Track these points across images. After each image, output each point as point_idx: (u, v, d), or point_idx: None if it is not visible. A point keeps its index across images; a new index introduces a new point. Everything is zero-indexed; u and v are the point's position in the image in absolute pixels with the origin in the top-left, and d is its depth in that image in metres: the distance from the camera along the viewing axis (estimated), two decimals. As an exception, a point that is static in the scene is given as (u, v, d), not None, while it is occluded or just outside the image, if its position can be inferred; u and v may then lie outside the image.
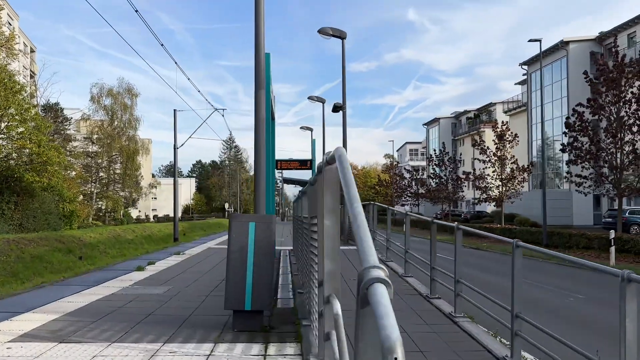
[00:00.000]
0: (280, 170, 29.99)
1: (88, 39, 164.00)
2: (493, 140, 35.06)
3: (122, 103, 53.68)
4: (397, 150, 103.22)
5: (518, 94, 60.44)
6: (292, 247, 12.46)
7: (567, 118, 23.68)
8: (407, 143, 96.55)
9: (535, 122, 48.46)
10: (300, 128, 29.87)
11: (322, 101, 22.27)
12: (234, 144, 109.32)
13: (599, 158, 21.36)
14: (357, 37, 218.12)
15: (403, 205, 63.53)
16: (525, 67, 50.39)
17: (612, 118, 21.07)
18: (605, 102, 21.25)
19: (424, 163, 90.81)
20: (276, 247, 10.51)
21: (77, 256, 22.19)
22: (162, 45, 17.98)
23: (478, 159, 35.40)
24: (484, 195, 34.43)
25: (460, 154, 67.23)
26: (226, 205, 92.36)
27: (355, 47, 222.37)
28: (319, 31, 14.09)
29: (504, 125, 35.41)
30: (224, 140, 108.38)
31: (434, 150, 56.38)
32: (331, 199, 2.60)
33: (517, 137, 36.01)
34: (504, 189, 33.68)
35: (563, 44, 43.40)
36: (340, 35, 13.91)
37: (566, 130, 22.29)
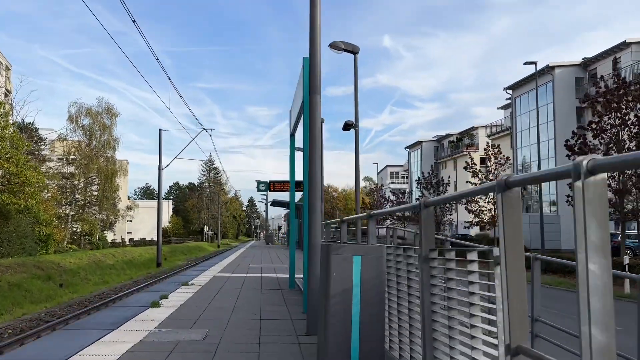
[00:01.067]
0: (266, 192, 29.02)
1: (62, 59, 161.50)
2: (480, 165, 34.79)
3: (101, 123, 52.06)
4: (378, 173, 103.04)
5: (501, 118, 60.84)
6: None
7: (567, 141, 23.35)
8: (387, 166, 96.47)
9: (520, 146, 48.59)
10: (297, 149, 29.05)
11: (322, 120, 21.57)
12: (214, 166, 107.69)
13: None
14: (333, 61, 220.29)
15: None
16: (510, 91, 50.75)
17: (615, 141, 20.73)
18: (608, 124, 20.94)
19: (405, 186, 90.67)
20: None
21: (58, 283, 20.66)
22: (157, 59, 17.06)
23: (470, 181, 34.95)
24: (477, 219, 33.88)
25: (442, 177, 67.14)
26: (205, 228, 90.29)
27: (332, 72, 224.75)
28: (331, 45, 13.31)
29: (496, 148, 35.13)
30: (203, 162, 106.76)
31: (422, 173, 56.05)
32: (598, 229, 1.70)
33: (509, 159, 35.76)
34: (495, 211, 33.18)
35: (549, 69, 43.78)
36: (353, 50, 13.16)
37: (569, 153, 21.87)
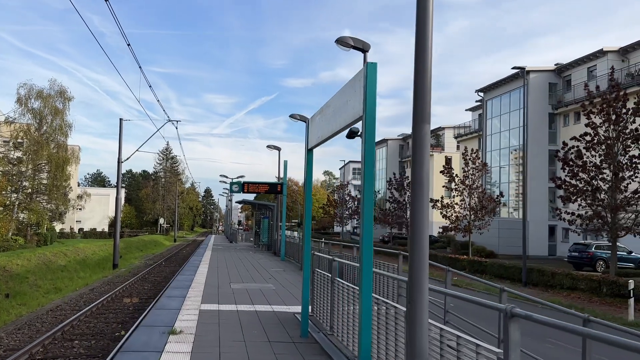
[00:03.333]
0: (239, 193, 27.03)
1: (11, 36, 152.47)
2: (447, 166, 33.84)
3: (53, 107, 48.26)
4: (340, 169, 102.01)
5: (469, 120, 60.65)
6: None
7: (558, 152, 22.51)
8: (350, 162, 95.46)
9: (490, 150, 48.24)
10: (268, 147, 27.17)
11: (304, 119, 19.70)
12: (171, 155, 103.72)
13: (596, 197, 20.17)
14: (293, 53, 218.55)
15: (356, 228, 61.80)
16: (481, 94, 50.34)
17: (614, 155, 19.95)
18: (604, 137, 20.15)
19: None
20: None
21: (3, 293, 18.19)
22: (128, 45, 14.89)
23: (446, 186, 34.04)
24: (452, 224, 33.00)
25: (407, 177, 66.57)
26: (161, 220, 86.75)
27: (291, 63, 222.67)
28: (337, 41, 11.59)
29: (474, 153, 34.32)
30: (160, 151, 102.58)
31: (394, 174, 55.13)
32: None
33: (486, 165, 35.04)
34: (472, 217, 32.41)
35: (523, 73, 43.34)
36: (363, 48, 11.49)
37: (565, 167, 21.00)
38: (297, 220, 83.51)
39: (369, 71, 4.78)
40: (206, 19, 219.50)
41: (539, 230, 43.49)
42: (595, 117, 20.90)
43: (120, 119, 30.13)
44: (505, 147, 46.91)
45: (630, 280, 15.43)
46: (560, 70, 43.07)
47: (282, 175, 25.86)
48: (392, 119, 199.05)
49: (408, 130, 71.14)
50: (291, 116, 19.37)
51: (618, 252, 31.71)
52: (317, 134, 7.24)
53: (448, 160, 68.45)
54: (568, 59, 41.77)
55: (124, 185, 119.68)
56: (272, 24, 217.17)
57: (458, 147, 62.35)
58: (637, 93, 21.96)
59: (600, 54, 37.97)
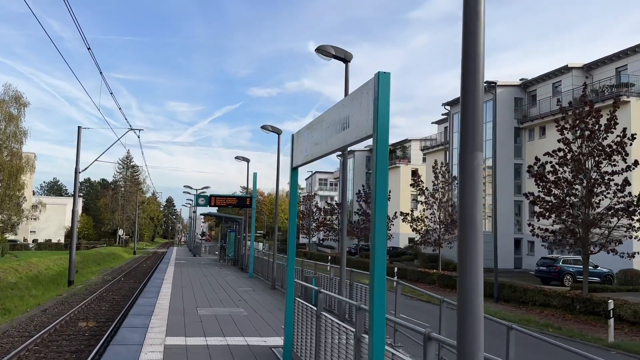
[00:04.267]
0: (206, 206, 25.83)
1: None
2: (415, 178, 33.61)
3: (7, 113, 45.94)
4: (306, 179, 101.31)
5: (435, 132, 60.98)
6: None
7: (530, 167, 22.33)
8: (316, 172, 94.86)
9: (456, 162, 48.29)
10: (236, 158, 26.11)
11: (278, 132, 18.87)
12: (132, 163, 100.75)
13: (570, 213, 20.01)
14: (259, 62, 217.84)
15: (323, 240, 61.05)
16: (448, 107, 50.58)
17: (586, 171, 19.85)
18: (579, 153, 20.04)
19: (334, 193, 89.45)
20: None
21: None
22: (89, 48, 13.77)
23: (417, 199, 33.70)
24: (422, 238, 32.62)
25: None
26: (120, 231, 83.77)
27: (256, 72, 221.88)
28: (318, 50, 10.87)
29: (443, 166, 34.13)
30: (120, 159, 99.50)
31: (362, 186, 54.74)
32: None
33: (456, 178, 34.90)
34: (442, 231, 32.12)
35: (490, 87, 43.71)
36: (345, 57, 10.79)
37: (539, 183, 20.78)
38: (262, 232, 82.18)
39: (381, 82, 4.03)
40: (170, 26, 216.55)
41: (505, 244, 43.68)
42: (567, 133, 20.80)
43: (79, 127, 28.55)
44: (472, 160, 47.19)
45: (610, 300, 15.16)
46: (526, 85, 43.66)
47: (251, 187, 24.86)
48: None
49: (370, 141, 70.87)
50: (263, 127, 18.54)
51: (582, 267, 32.10)
52: (304, 152, 6.43)
53: (415, 172, 68.90)
54: (528, 74, 42.36)
55: (81, 194, 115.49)
56: (238, 33, 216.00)
57: (424, 159, 62.58)
58: (602, 109, 22.04)
59: (565, 70, 38.60)
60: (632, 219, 19.08)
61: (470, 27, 2.76)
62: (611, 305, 15.00)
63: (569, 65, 38.21)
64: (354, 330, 5.61)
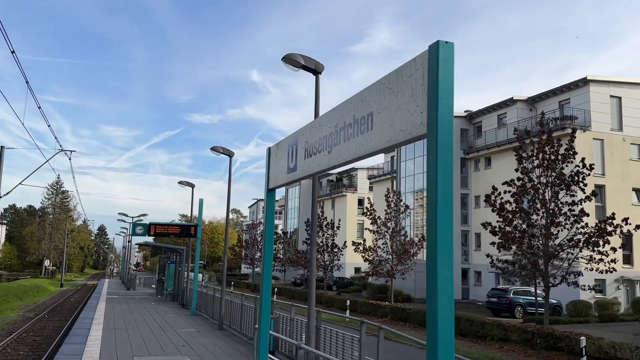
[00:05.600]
0: (144, 235, 23.47)
1: None
2: (359, 206, 32.70)
3: None
4: (250, 207, 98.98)
5: (381, 162, 60.93)
6: None
7: (488, 196, 21.74)
8: (260, 200, 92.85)
9: (405, 192, 48.08)
10: (179, 183, 24.03)
11: (230, 154, 17.21)
12: (62, 189, 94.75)
13: (531, 244, 19.45)
14: (200, 88, 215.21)
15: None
16: (395, 136, 50.62)
17: (546, 202, 19.42)
18: (537, 182, 19.62)
19: (277, 222, 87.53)
20: None
21: None
22: (13, 52, 11.82)
23: (369, 229, 32.67)
24: (374, 269, 31.45)
25: (326, 217, 65.27)
26: (46, 262, 77.78)
27: (198, 98, 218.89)
28: (284, 58, 9.56)
29: (396, 195, 33.40)
30: (49, 184, 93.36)
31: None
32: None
33: (408, 207, 34.27)
34: (395, 262, 31.10)
35: (438, 118, 44.06)
36: (316, 69, 9.54)
37: (501, 213, 20.15)
38: (202, 262, 78.76)
39: (443, 55, 2.71)
40: (109, 49, 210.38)
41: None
42: (525, 162, 20.40)
43: (2, 147, 25.62)
44: (420, 189, 47.07)
45: (582, 337, 14.39)
46: (471, 116, 44.26)
47: (196, 213, 22.83)
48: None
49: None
50: (212, 149, 16.85)
51: (532, 298, 31.93)
52: (287, 169, 4.99)
53: (361, 201, 68.38)
54: (472, 106, 42.98)
55: (5, 221, 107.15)
56: (180, 58, 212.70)
57: (371, 189, 62.24)
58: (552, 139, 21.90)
59: (510, 102, 39.35)
60: (594, 250, 18.70)
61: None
62: (583, 343, 14.23)
63: (514, 98, 38.98)
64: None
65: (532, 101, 38.57)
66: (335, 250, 40.22)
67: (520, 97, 39.06)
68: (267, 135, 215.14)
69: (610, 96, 34.69)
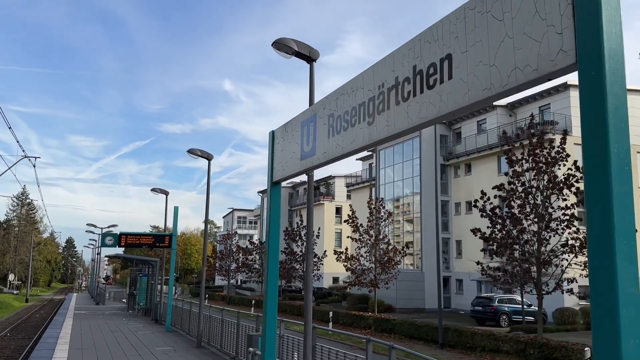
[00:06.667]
0: (115, 246, 21.91)
1: None
2: (337, 215, 31.69)
3: None
4: (224, 217, 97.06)
5: (359, 170, 60.23)
6: None
7: (477, 201, 20.95)
8: (234, 210, 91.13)
9: (385, 199, 47.30)
10: (152, 190, 22.55)
11: (209, 157, 16.02)
12: (28, 201, 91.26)
13: (525, 251, 18.71)
14: (171, 98, 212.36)
15: (245, 281, 57.01)
16: (374, 143, 49.91)
17: (537, 206, 18.72)
18: (529, 186, 18.94)
19: (254, 232, 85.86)
20: None
21: None
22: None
23: (351, 237, 31.65)
24: (357, 278, 30.38)
25: (304, 226, 64.13)
26: (11, 277, 74.41)
27: (169, 108, 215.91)
28: (275, 43, 8.52)
29: (379, 202, 32.51)
30: (14, 195, 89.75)
31: (290, 223, 52.10)
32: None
33: (391, 215, 33.39)
34: (378, 270, 30.11)
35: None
36: (310, 55, 8.56)
37: (493, 218, 19.36)
38: (175, 274, 76.53)
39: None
40: (77, 59, 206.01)
41: (432, 282, 42.61)
42: (516, 166, 19.70)
43: (-42, 153, 23.81)
44: (399, 197, 46.35)
45: (587, 348, 13.59)
46: (451, 123, 43.83)
47: (170, 224, 21.42)
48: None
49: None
50: (189, 151, 15.57)
51: (517, 306, 31.37)
52: (298, 155, 3.90)
53: (339, 210, 67.48)
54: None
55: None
56: (150, 67, 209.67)
57: (348, 196, 61.40)
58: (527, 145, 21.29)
59: (490, 108, 39.02)
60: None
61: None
62: (587, 355, 13.41)
63: (494, 104, 38.66)
64: None
65: (512, 107, 38.33)
66: (315, 259, 39.07)
67: (499, 102, 38.78)
68: (240, 145, 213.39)
69: (590, 101, 34.62)
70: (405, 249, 31.55)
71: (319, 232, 43.10)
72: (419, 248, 43.16)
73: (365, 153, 58.53)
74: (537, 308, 30.98)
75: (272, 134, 4.66)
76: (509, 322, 29.98)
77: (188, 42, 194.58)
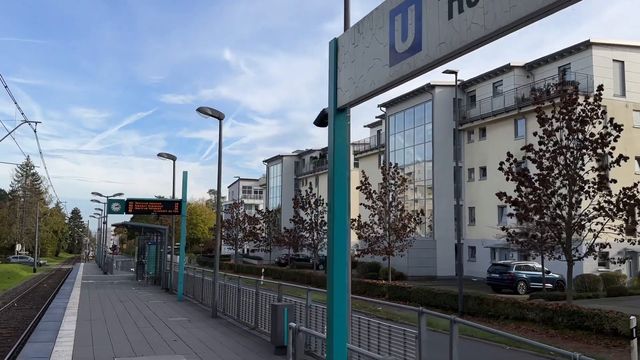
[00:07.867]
0: (122, 213, 20.96)
1: None
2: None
3: None
4: (229, 187, 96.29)
5: (367, 136, 58.92)
6: None
7: (502, 163, 19.79)
8: (240, 179, 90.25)
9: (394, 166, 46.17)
10: (159, 155, 21.53)
11: (220, 117, 14.97)
12: (32, 171, 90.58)
13: (557, 214, 17.63)
14: (172, 68, 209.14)
15: (253, 250, 56.48)
16: (384, 109, 48.46)
17: (570, 167, 17.57)
18: (562, 145, 17.76)
19: (259, 201, 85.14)
20: None
21: None
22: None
23: (364, 204, 30.64)
24: (370, 246, 29.51)
25: (314, 194, 63.25)
26: (18, 247, 74.30)
27: (170, 79, 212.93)
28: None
29: (393, 167, 31.39)
30: (19, 166, 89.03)
31: (299, 191, 51.22)
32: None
33: (406, 180, 32.26)
34: (392, 238, 29.21)
35: (429, 88, 41.99)
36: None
37: (522, 179, 18.23)
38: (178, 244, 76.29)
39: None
40: (76, 29, 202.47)
41: (445, 250, 41.94)
42: (547, 125, 18.44)
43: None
44: (410, 164, 45.20)
45: (632, 317, 12.62)
46: (464, 85, 42.29)
47: (179, 190, 20.41)
48: (274, 138, 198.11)
49: (289, 150, 68.21)
50: (199, 110, 14.37)
51: (534, 273, 30.57)
52: (387, 59, 2.75)
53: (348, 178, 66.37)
54: (463, 76, 40.86)
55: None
56: (150, 38, 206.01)
57: (356, 164, 60.23)
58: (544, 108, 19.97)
59: (507, 69, 37.48)
60: (627, 220, 17.01)
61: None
62: (634, 323, 12.44)
63: (511, 64, 37.09)
64: None
65: (530, 67, 36.73)
66: (325, 228, 38.22)
67: (517, 63, 37.20)
68: (242, 116, 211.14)
69: (613, 60, 33.01)
70: (421, 215, 30.54)
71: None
72: (429, 216, 42.19)
73: (373, 119, 57.14)
74: (555, 275, 30.43)
75: (335, 43, 3.51)
76: (526, 289, 29.23)
77: (186, 10, 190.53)
